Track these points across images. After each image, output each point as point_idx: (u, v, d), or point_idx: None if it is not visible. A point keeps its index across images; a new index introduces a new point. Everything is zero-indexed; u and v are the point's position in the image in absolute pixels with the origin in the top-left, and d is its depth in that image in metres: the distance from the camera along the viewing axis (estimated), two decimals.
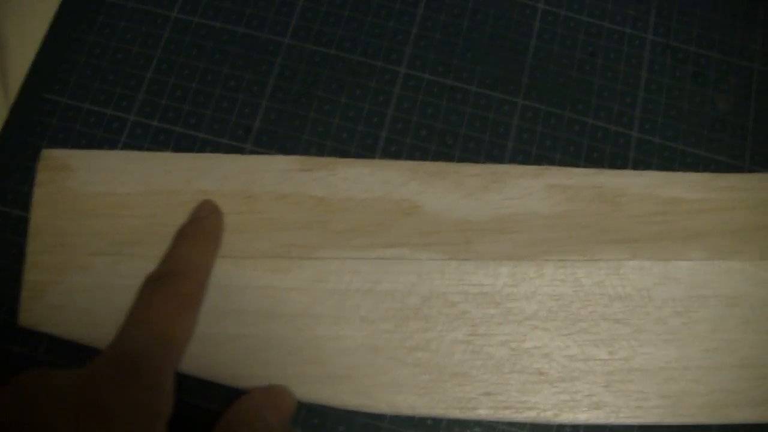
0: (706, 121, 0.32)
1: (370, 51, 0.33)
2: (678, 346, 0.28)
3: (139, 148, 0.31)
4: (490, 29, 0.33)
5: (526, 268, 0.28)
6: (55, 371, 0.22)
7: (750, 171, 0.32)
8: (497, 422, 0.28)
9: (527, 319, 0.28)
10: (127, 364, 0.21)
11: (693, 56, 0.33)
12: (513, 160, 0.31)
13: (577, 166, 0.31)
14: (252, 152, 0.31)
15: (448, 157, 0.31)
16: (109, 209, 0.28)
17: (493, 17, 0.34)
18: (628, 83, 0.33)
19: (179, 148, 0.31)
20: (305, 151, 0.31)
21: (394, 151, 0.31)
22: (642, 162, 0.32)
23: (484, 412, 0.27)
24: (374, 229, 0.29)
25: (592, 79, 0.33)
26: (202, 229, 0.28)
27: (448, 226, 0.29)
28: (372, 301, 0.28)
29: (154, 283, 0.25)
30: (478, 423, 0.28)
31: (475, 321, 0.28)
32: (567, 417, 0.27)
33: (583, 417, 0.27)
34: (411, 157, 0.31)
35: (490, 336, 0.28)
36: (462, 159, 0.31)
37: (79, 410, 0.20)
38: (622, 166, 0.31)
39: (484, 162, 0.31)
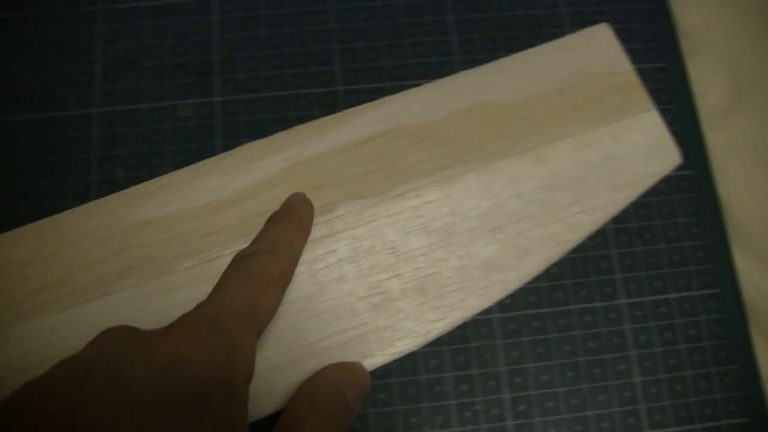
0: None
1: None
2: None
3: None
4: None
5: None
6: (140, 330, 0.23)
7: None
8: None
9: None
10: (210, 324, 0.22)
11: None
12: None
13: None
14: None
15: None
16: None
17: None
18: None
19: None
20: None
21: None
22: None
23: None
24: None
25: None
26: (292, 216, 0.29)
27: None
28: None
29: (244, 259, 0.26)
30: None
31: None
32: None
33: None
34: None
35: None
36: None
37: (159, 362, 0.21)
38: None
39: None
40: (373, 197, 0.30)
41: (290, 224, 0.29)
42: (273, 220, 0.29)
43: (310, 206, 0.30)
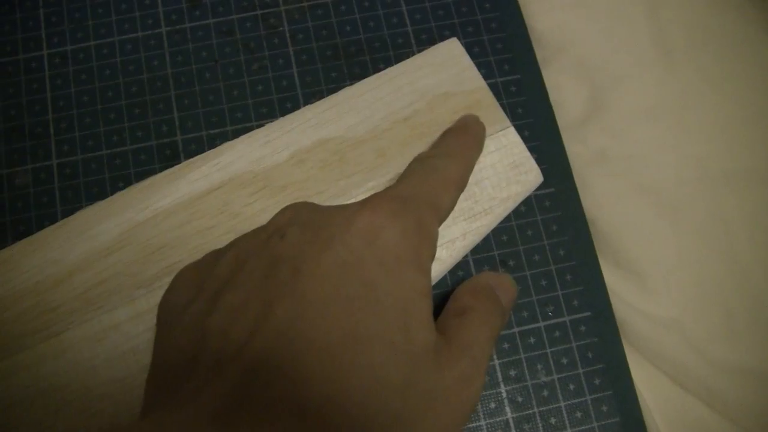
0: None
1: None
2: None
3: None
4: None
5: None
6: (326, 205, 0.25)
7: None
8: None
9: None
10: (403, 201, 0.23)
11: None
12: None
13: None
14: None
15: None
16: None
17: None
18: None
19: None
20: None
21: None
22: None
23: None
24: None
25: None
26: (467, 131, 0.30)
27: None
28: None
29: (425, 159, 0.27)
30: None
31: None
32: None
33: None
34: None
35: None
36: None
37: (357, 229, 0.21)
38: None
39: None
40: None
41: (467, 137, 0.30)
42: (450, 133, 0.30)
43: (483, 128, 0.31)
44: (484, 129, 0.31)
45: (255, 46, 0.35)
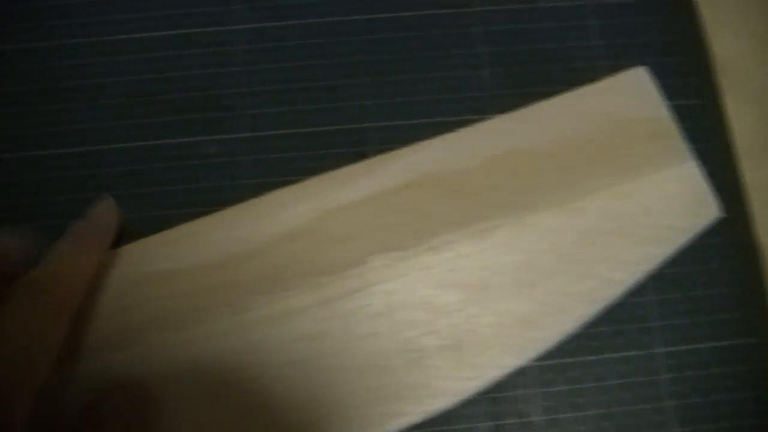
0: None
1: None
2: None
3: None
4: None
5: None
6: None
7: None
8: None
9: None
10: None
11: None
12: None
13: None
14: None
15: None
16: None
17: None
18: None
19: None
20: None
21: None
22: None
23: None
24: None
25: None
26: (89, 229, 0.28)
27: None
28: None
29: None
30: None
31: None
32: None
33: None
34: None
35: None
36: None
37: None
38: None
39: None
40: (406, 250, 0.29)
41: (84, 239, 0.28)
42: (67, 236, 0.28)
43: (113, 215, 0.29)
44: (113, 216, 0.29)
45: (448, 43, 0.35)
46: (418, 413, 0.28)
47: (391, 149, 0.31)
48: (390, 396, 0.28)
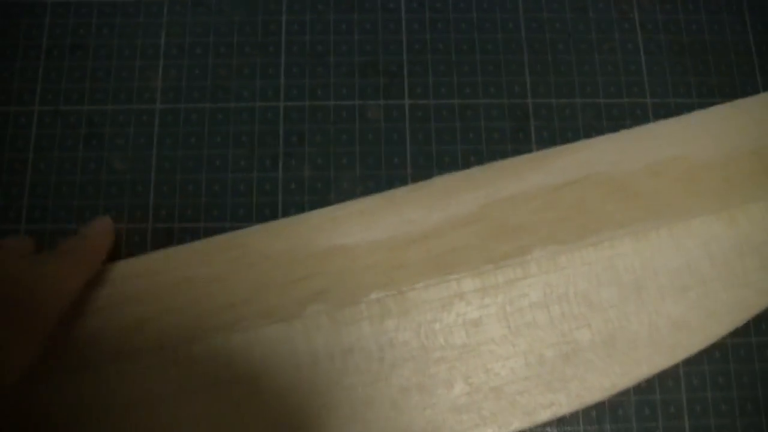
0: None
1: None
2: None
3: None
4: None
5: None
6: None
7: None
8: None
9: None
10: None
11: None
12: None
13: None
14: None
15: None
16: None
17: None
18: None
19: None
20: None
21: None
22: None
23: None
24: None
25: None
26: (77, 249, 0.28)
27: None
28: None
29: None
30: None
31: None
32: None
33: None
34: None
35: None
36: None
37: None
38: None
39: None
40: (567, 244, 0.30)
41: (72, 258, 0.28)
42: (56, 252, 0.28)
43: (106, 238, 0.30)
44: (106, 238, 0.30)
45: (606, 27, 0.34)
46: (571, 405, 0.29)
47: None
48: (542, 386, 0.29)
